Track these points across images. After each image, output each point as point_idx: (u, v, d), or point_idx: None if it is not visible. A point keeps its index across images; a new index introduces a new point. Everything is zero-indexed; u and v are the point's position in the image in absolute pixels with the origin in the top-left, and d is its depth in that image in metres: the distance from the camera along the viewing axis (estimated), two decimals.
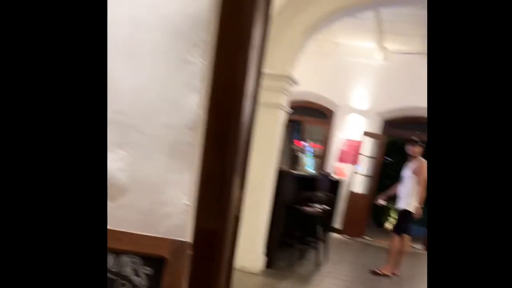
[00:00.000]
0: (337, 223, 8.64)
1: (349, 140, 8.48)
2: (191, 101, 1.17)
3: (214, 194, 1.26)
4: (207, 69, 1.17)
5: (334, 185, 8.28)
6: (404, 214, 5.68)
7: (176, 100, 1.18)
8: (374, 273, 5.87)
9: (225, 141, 1.23)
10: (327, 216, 8.39)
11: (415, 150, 5.65)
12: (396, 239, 5.74)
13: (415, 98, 8.11)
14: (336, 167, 8.45)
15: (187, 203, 1.21)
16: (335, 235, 8.49)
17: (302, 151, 6.34)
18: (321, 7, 3.69)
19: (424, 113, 8.27)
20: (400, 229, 5.79)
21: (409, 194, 5.61)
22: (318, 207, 5.83)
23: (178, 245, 1.20)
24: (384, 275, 5.79)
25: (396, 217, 6.12)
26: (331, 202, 8.23)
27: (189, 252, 1.21)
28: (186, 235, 1.21)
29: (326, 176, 7.40)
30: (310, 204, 5.95)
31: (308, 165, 6.50)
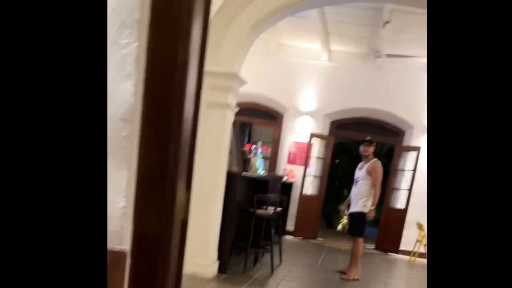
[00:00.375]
0: (290, 225, 8.61)
1: (298, 142, 8.48)
2: (124, 89, 1.02)
3: (155, 194, 1.10)
4: (142, 52, 1.02)
5: (285, 187, 8.27)
6: (360, 216, 5.58)
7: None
8: (342, 273, 5.89)
9: (166, 134, 1.07)
10: (280, 218, 8.37)
11: (369, 150, 5.62)
12: (360, 241, 5.70)
13: (360, 99, 8.27)
14: (286, 169, 8.43)
15: (125, 205, 1.05)
16: (288, 237, 8.46)
17: (253, 153, 6.23)
18: (265, 3, 3.61)
19: (369, 114, 8.42)
20: (358, 231, 5.72)
21: (364, 195, 5.53)
22: (270, 210, 5.75)
23: (115, 254, 1.05)
24: (354, 280, 5.73)
25: (350, 219, 6.01)
26: (284, 204, 8.21)
27: (129, 261, 1.05)
28: (125, 242, 1.06)
29: (278, 178, 7.36)
30: (262, 206, 5.87)
31: (259, 168, 6.41)
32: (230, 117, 4.24)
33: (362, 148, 5.68)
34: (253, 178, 5.98)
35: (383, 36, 6.67)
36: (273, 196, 5.89)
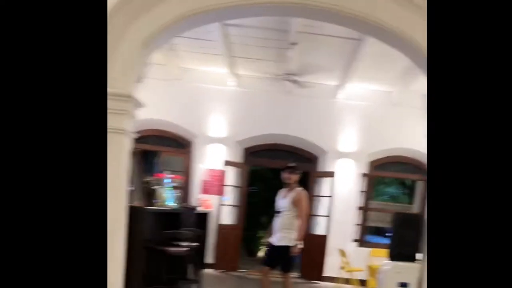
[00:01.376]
0: (209, 257, 8.12)
1: (211, 170, 8.09)
2: None
3: None
4: None
5: (201, 219, 7.79)
6: (286, 251, 5.10)
7: None
8: None
9: None
10: (197, 252, 7.86)
11: (293, 177, 5.23)
12: (289, 277, 5.37)
13: (272, 126, 8.12)
14: (200, 199, 7.98)
15: None
16: (208, 271, 7.96)
17: (160, 183, 5.74)
18: (153, 20, 3.24)
19: (282, 140, 8.28)
20: (290, 265, 5.43)
21: (288, 228, 5.11)
22: (184, 245, 5.28)
23: None
24: None
25: (274, 252, 5.35)
26: (200, 237, 7.72)
27: None
28: None
29: (191, 209, 6.89)
30: (175, 243, 5.40)
31: (169, 199, 5.91)
32: (127, 144, 3.73)
33: (285, 175, 5.27)
34: (162, 211, 5.49)
35: (291, 58, 6.57)
36: (186, 230, 5.43)
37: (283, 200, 5.23)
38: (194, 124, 8.06)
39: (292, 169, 5.24)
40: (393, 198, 13.19)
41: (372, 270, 5.24)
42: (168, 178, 6.00)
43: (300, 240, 5.09)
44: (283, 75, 7.18)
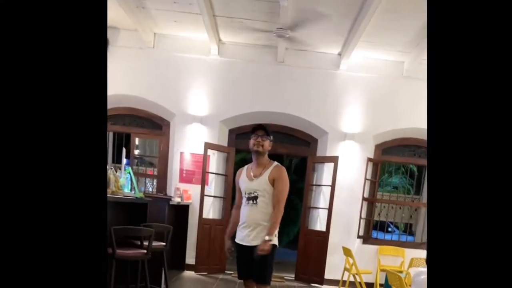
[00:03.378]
0: (190, 257, 6.95)
1: (191, 155, 6.89)
2: None
3: None
4: None
5: (180, 211, 6.64)
6: (272, 252, 3.53)
7: None
8: None
9: None
10: (173, 253, 6.69)
11: (265, 143, 3.59)
12: None
13: (262, 103, 6.91)
14: (179, 189, 6.78)
15: None
16: (188, 273, 6.81)
17: (116, 169, 4.54)
18: None
19: (274, 119, 7.06)
20: (268, 275, 3.58)
21: (265, 220, 3.54)
22: (144, 246, 4.11)
23: None
24: None
25: (242, 257, 3.71)
26: (169, 236, 6.55)
27: None
28: None
29: (163, 200, 5.71)
30: (135, 241, 4.24)
31: (124, 187, 4.72)
32: None
33: (253, 141, 3.59)
34: (115, 201, 4.29)
35: (285, 10, 5.31)
36: (144, 228, 4.24)
37: (255, 180, 3.59)
38: (171, 101, 6.84)
39: (262, 131, 3.60)
40: (397, 190, 11.93)
41: (394, 277, 3.99)
42: (123, 160, 4.75)
43: (272, 234, 3.48)
44: (276, 30, 5.94)
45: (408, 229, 11.03)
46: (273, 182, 3.53)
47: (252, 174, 3.65)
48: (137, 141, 7.38)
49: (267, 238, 3.42)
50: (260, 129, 3.63)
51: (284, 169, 3.64)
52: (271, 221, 3.50)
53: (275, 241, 3.54)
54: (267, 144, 3.61)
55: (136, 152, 7.46)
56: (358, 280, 6.39)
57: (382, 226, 8.97)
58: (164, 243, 4.72)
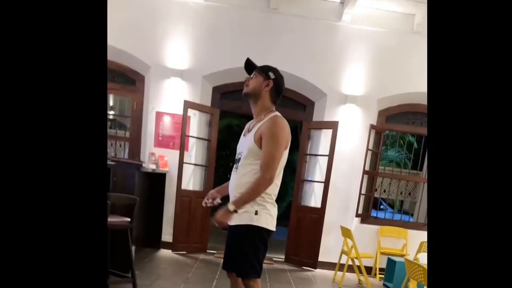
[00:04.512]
0: (167, 234, 6.08)
1: (169, 115, 5.95)
2: None
3: None
4: None
5: (155, 180, 5.77)
6: (251, 235, 2.54)
7: None
8: None
9: None
10: (146, 228, 5.82)
11: (252, 83, 2.60)
12: (257, 285, 2.64)
13: (251, 57, 5.90)
14: (154, 154, 5.87)
15: None
16: (165, 252, 5.96)
17: None
18: None
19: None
20: (251, 266, 2.57)
21: (244, 188, 2.55)
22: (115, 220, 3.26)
23: None
24: None
25: (234, 242, 2.67)
26: (151, 206, 5.67)
27: None
28: None
29: (131, 165, 4.82)
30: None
31: None
32: None
33: (248, 80, 2.64)
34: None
35: None
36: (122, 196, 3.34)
37: (243, 138, 2.72)
38: (147, 51, 5.86)
39: (249, 66, 2.70)
40: (392, 163, 11.06)
41: (415, 268, 3.16)
42: None
43: (238, 204, 2.49)
44: None
45: (401, 208, 10.34)
46: (260, 139, 2.50)
47: (247, 129, 2.73)
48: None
49: (229, 207, 2.46)
50: (247, 65, 2.69)
51: (276, 121, 2.49)
52: (245, 189, 2.50)
53: (258, 221, 2.50)
54: (256, 82, 2.58)
55: None
56: (357, 264, 5.58)
57: (374, 204, 8.20)
58: (128, 219, 3.81)
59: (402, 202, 10.61)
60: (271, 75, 2.58)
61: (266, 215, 2.52)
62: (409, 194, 9.05)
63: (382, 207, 9.54)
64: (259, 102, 2.59)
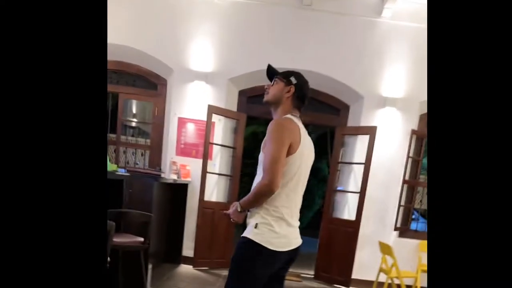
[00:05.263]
0: (188, 248, 5.68)
1: (192, 121, 5.53)
2: None
3: None
4: None
5: (176, 191, 5.38)
6: (248, 251, 2.18)
7: None
8: None
9: None
10: (166, 242, 5.43)
11: (272, 90, 2.34)
12: None
13: (281, 58, 5.47)
14: (176, 163, 5.46)
15: None
16: (185, 268, 5.56)
17: None
18: None
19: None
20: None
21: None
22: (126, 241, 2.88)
23: None
24: None
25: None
26: (172, 218, 5.28)
27: None
28: None
29: (149, 176, 4.40)
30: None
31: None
32: None
33: (268, 88, 2.40)
34: None
35: None
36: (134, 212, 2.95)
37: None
38: (169, 53, 5.44)
39: (270, 73, 2.43)
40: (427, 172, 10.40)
41: None
42: None
43: (244, 206, 2.25)
44: None
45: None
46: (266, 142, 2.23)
47: None
48: (126, 103, 6.02)
49: (239, 208, 2.24)
50: (269, 71, 2.42)
51: (277, 122, 2.20)
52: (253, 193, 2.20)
53: (256, 236, 2.15)
54: (277, 88, 2.33)
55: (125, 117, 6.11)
56: (397, 282, 5.06)
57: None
58: (142, 239, 3.40)
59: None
60: (293, 80, 2.33)
61: (269, 232, 2.15)
62: None
63: (414, 216, 8.97)
64: (279, 109, 2.33)
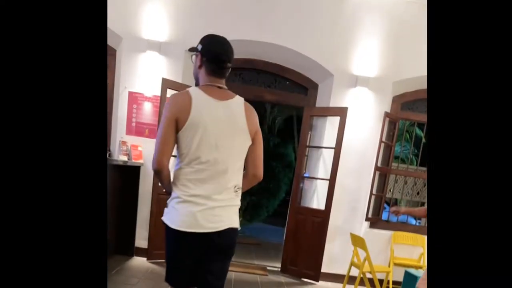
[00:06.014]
0: (141, 238, 5.12)
1: (144, 97, 4.98)
2: None
3: None
4: None
5: (125, 175, 4.83)
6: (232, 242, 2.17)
7: None
8: None
9: None
10: (117, 231, 4.87)
11: (194, 65, 2.16)
12: None
13: (245, 28, 4.98)
14: (126, 143, 4.89)
15: None
16: (138, 260, 5.01)
17: None
18: None
19: (260, 54, 5.22)
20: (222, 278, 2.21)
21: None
22: None
23: None
24: None
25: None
26: (122, 205, 4.74)
27: None
28: None
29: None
30: None
31: None
32: None
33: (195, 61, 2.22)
34: None
35: None
36: None
37: None
38: (117, 19, 4.85)
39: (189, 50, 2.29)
40: (397, 160, 10.08)
41: None
42: None
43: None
44: None
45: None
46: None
47: None
48: None
49: None
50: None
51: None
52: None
53: (165, 216, 2.10)
54: (193, 66, 2.19)
55: None
56: (369, 276, 4.64)
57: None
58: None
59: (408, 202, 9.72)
60: (199, 47, 2.12)
61: (172, 210, 2.04)
62: (418, 193, 8.23)
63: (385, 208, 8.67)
64: (200, 83, 2.12)
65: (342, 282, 5.01)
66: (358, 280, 4.57)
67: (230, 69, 2.08)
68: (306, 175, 5.66)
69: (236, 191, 2.06)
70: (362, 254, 4.55)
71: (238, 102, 2.04)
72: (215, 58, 2.02)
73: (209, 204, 1.99)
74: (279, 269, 5.54)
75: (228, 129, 1.99)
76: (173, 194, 2.04)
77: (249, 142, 2.06)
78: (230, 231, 2.04)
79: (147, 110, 4.94)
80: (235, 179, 2.05)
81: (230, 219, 2.04)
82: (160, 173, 2.03)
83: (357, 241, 4.51)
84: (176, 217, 2.01)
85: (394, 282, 5.18)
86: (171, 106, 1.97)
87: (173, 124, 1.95)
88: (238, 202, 2.09)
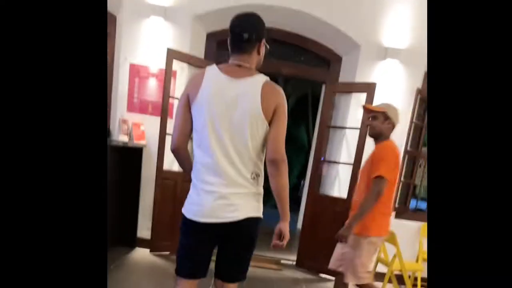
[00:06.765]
0: (144, 229, 4.64)
1: (147, 69, 4.45)
2: None
3: None
4: None
5: (126, 158, 4.34)
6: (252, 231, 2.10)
7: None
8: None
9: None
10: (117, 221, 4.40)
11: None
12: None
13: None
14: (127, 122, 4.38)
15: None
16: (140, 252, 4.54)
17: None
18: None
19: (276, 21, 4.65)
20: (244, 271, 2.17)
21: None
22: None
23: None
24: None
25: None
26: (123, 191, 4.26)
27: None
28: None
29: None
30: None
31: None
32: None
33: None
34: None
35: None
36: None
37: None
38: None
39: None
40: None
41: None
42: None
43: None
44: None
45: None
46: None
47: None
48: None
49: None
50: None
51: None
52: None
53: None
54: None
55: None
56: (395, 272, 4.13)
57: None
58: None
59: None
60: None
61: (188, 197, 2.03)
62: None
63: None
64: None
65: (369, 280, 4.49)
66: (386, 280, 4.03)
67: (252, 42, 1.94)
68: (322, 159, 5.14)
69: (254, 178, 1.94)
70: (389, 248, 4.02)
71: (256, 80, 1.91)
72: (231, 32, 1.95)
73: (222, 191, 1.91)
74: (294, 263, 5.04)
75: (234, 111, 1.87)
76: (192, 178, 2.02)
77: (264, 124, 1.90)
78: (247, 221, 1.95)
79: (151, 84, 4.41)
80: (251, 166, 1.93)
81: (247, 208, 1.95)
82: (176, 153, 2.02)
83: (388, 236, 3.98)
84: (188, 205, 1.99)
85: (423, 279, 4.68)
86: (187, 82, 1.98)
87: (185, 101, 1.93)
88: (256, 190, 1.96)
